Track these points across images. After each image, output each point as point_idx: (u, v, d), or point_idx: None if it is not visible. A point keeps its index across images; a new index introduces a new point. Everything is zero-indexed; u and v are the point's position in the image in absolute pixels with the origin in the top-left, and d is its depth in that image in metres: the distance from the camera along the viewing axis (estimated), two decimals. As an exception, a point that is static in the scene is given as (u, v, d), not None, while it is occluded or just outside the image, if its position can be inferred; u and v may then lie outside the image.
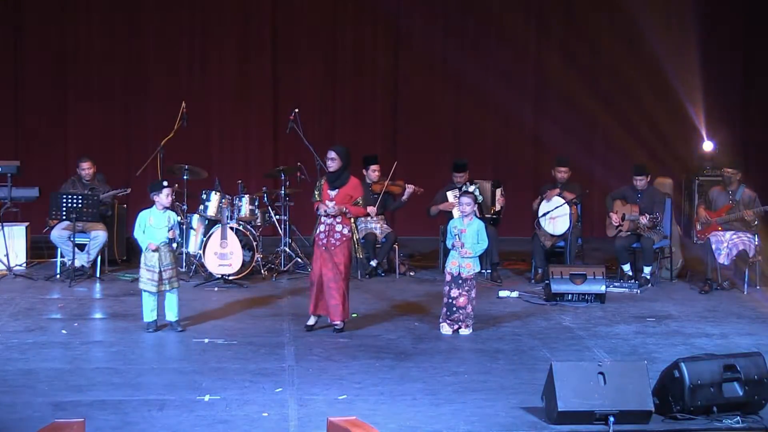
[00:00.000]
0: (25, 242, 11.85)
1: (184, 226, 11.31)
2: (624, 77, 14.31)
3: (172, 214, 9.09)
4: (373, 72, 14.60)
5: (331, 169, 8.95)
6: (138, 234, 8.99)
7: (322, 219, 8.93)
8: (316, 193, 9.06)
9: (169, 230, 8.88)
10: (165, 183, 9.10)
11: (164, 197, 8.98)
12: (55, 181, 12.06)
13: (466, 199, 9.08)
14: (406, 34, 14.54)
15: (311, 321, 9.01)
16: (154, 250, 8.83)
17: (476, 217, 9.19)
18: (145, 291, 8.90)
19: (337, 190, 8.91)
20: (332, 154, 8.92)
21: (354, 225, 9.07)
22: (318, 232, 8.96)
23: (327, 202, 8.90)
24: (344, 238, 8.92)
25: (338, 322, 8.89)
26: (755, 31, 14.62)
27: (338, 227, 8.90)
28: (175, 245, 9.22)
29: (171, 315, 8.97)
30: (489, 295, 10.55)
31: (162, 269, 8.84)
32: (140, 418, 6.62)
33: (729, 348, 8.17)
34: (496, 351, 8.45)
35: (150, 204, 9.08)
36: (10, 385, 7.30)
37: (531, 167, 14.48)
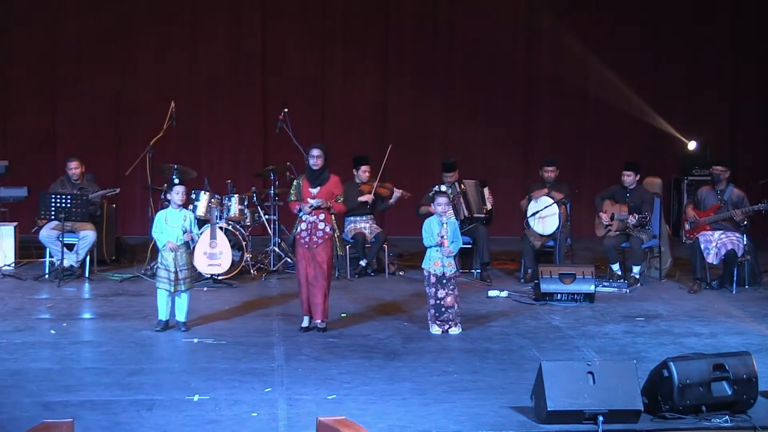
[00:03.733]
0: (14, 242, 11.81)
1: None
2: (613, 77, 14.32)
3: (189, 213, 9.09)
4: (362, 72, 14.57)
5: (315, 167, 8.95)
6: (156, 234, 8.98)
7: (304, 217, 8.92)
8: (293, 193, 9.06)
9: (184, 233, 8.86)
10: (176, 181, 9.09)
11: (175, 195, 8.97)
12: (44, 181, 12.02)
13: (441, 199, 9.11)
14: (395, 35, 14.53)
15: (305, 323, 8.98)
16: (172, 250, 8.83)
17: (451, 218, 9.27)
18: (160, 290, 8.89)
19: (318, 187, 8.92)
20: (317, 152, 8.94)
21: (335, 223, 9.09)
22: (299, 230, 8.95)
23: (309, 199, 8.90)
24: (326, 236, 8.91)
25: (319, 321, 8.90)
26: (743, 28, 14.65)
27: (320, 225, 8.90)
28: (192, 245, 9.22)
29: (180, 315, 8.98)
30: (478, 295, 10.54)
31: (178, 269, 8.85)
32: (129, 419, 6.60)
33: (718, 347, 8.19)
34: (485, 351, 8.45)
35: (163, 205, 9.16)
36: (-1, 385, 7.30)
37: (520, 167, 14.49)
